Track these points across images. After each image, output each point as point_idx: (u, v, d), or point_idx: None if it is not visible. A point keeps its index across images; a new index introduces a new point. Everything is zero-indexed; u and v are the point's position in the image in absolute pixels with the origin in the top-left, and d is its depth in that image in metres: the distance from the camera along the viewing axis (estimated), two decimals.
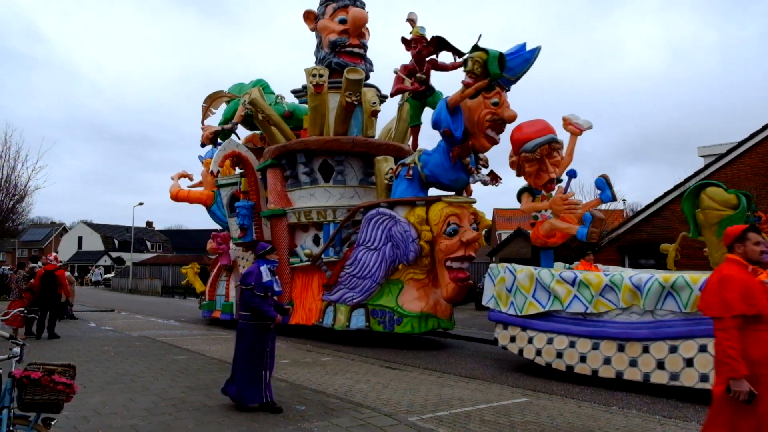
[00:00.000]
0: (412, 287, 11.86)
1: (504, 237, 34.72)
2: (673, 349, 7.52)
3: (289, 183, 14.34)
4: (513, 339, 9.44)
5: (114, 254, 67.35)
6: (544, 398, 7.52)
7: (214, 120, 18.05)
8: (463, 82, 10.12)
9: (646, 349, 7.76)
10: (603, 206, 11.48)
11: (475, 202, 11.80)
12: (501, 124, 10.58)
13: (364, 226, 12.08)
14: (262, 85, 16.35)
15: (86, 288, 48.45)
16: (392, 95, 12.82)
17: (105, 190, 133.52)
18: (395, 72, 12.14)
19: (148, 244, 70.68)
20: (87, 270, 61.26)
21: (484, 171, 11.82)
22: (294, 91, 15.02)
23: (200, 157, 18.76)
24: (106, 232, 72.55)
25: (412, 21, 12.11)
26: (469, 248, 11.27)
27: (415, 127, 13.32)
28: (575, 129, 9.85)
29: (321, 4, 14.56)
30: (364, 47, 14.37)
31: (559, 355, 8.65)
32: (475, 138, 10.81)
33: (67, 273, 17.00)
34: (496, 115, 10.46)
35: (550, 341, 8.82)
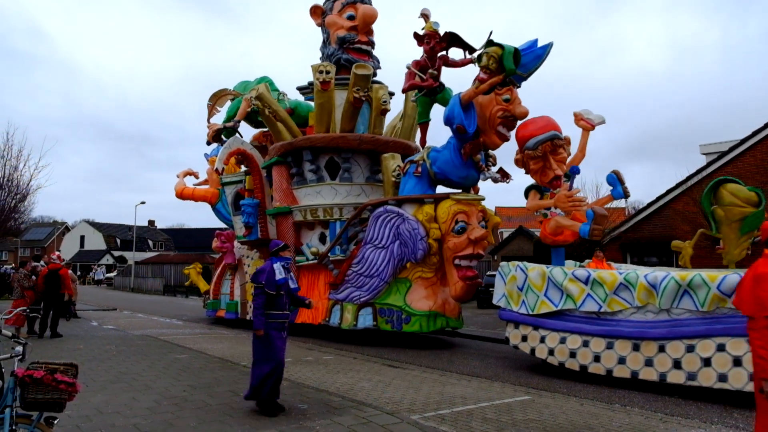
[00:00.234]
0: (420, 286, 11.73)
1: (506, 235, 34.64)
2: (690, 349, 7.39)
3: (295, 181, 14.21)
4: (524, 338, 9.30)
5: (116, 253, 67.26)
6: (546, 396, 7.49)
7: (220, 118, 17.97)
8: (477, 77, 9.99)
9: (662, 349, 7.63)
10: (611, 203, 11.42)
11: (483, 199, 11.66)
12: (512, 121, 10.44)
13: (371, 224, 11.95)
14: (267, 82, 16.23)
15: (88, 287, 48.46)
16: (404, 91, 12.68)
17: (107, 188, 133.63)
18: (407, 67, 12.00)
19: (150, 243, 70.57)
20: (89, 269, 61.20)
21: (494, 168, 11.67)
22: (300, 88, 14.88)
23: (206, 155, 18.72)
24: (109, 231, 72.44)
25: (425, 16, 11.96)
26: (477, 246, 11.14)
27: (424, 124, 13.19)
28: (587, 124, 9.74)
29: (328, 0, 14.42)
30: (372, 44, 14.23)
31: (573, 354, 8.52)
32: (486, 135, 10.68)
33: (69, 272, 16.90)
34: (507, 112, 10.33)
35: (563, 340, 8.69)
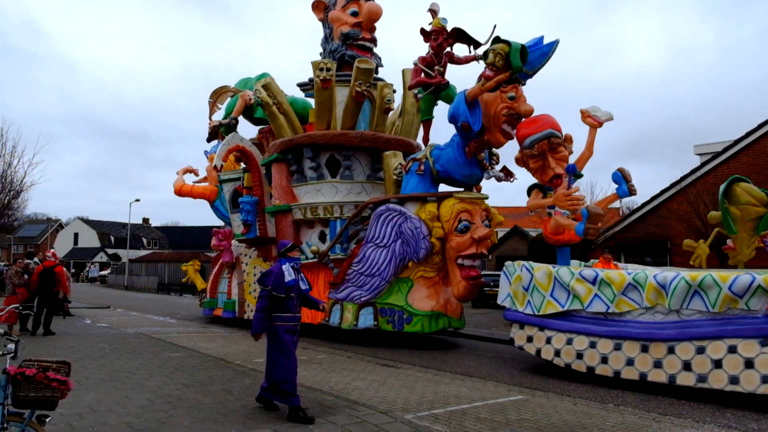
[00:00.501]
0: (422, 285, 11.58)
1: (500, 235, 34.55)
2: (701, 350, 7.28)
3: (295, 178, 14.02)
4: (530, 339, 9.17)
5: (110, 251, 66.81)
6: (539, 396, 7.48)
7: (221, 115, 17.86)
8: (483, 74, 9.84)
9: (671, 350, 7.51)
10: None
11: (487, 198, 11.52)
12: (517, 119, 10.29)
13: (373, 223, 11.79)
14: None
15: (82, 285, 48.16)
16: (411, 88, 12.49)
17: (102, 186, 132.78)
18: (414, 64, 11.84)
19: (144, 240, 70.09)
20: (83, 266, 60.76)
21: (497, 167, 11.52)
22: (300, 85, 14.67)
23: (206, 152, 18.60)
24: (103, 228, 71.95)
25: (433, 12, 11.79)
26: (481, 245, 11.00)
27: (427, 122, 13.03)
28: (593, 121, 9.60)
29: None
30: (375, 42, 14.07)
31: (579, 355, 8.39)
32: (491, 133, 10.53)
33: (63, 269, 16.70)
34: (512, 110, 10.17)
35: (569, 341, 8.56)
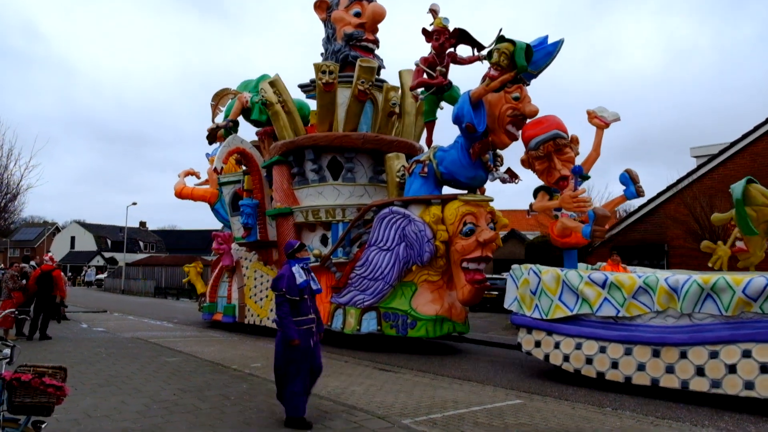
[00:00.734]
0: (426, 289, 11.42)
1: None
2: (714, 355, 7.14)
3: (296, 180, 13.87)
4: (538, 344, 9.02)
5: (107, 254, 66.48)
6: (537, 400, 7.45)
7: (222, 118, 17.76)
8: (487, 74, 9.71)
9: (683, 355, 7.37)
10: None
11: (492, 200, 11.38)
12: (522, 120, 10.18)
13: (376, 226, 11.63)
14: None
15: (78, 288, 47.89)
16: (412, 88, 12.35)
17: (99, 189, 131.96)
18: (416, 65, 11.70)
19: (141, 244, 69.80)
20: (80, 270, 60.42)
21: (502, 168, 11.39)
22: (301, 86, 14.51)
23: (207, 154, 18.49)
24: (99, 232, 71.58)
25: (434, 12, 11.66)
26: (486, 249, 10.86)
27: (430, 123, 12.88)
28: (600, 122, 9.50)
29: None
30: (377, 43, 13.94)
31: (589, 360, 8.25)
32: (495, 134, 10.41)
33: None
34: (517, 110, 10.07)
35: (578, 346, 8.42)
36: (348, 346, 12.38)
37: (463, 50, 11.83)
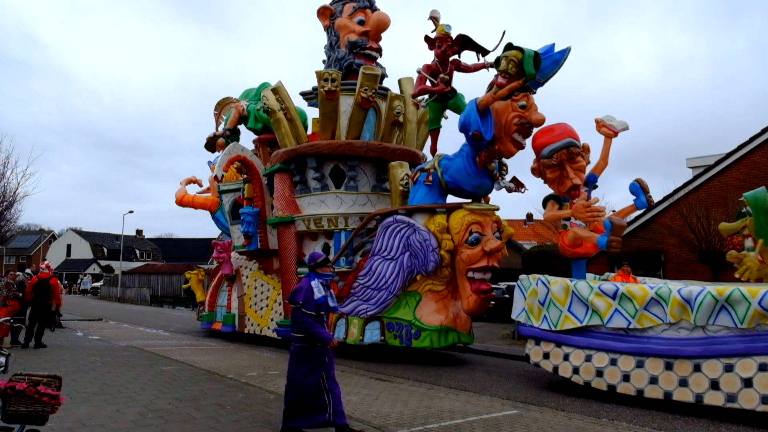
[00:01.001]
0: (430, 299, 11.25)
1: None
2: (729, 368, 6.98)
3: (298, 189, 13.72)
4: (546, 355, 8.85)
5: (103, 262, 66.02)
6: (534, 410, 7.44)
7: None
8: (494, 82, 9.60)
9: (697, 368, 7.21)
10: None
11: (497, 209, 11.25)
12: (528, 128, 10.06)
13: (380, 235, 11.48)
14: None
15: (74, 296, 47.57)
16: (414, 96, 12.26)
17: (96, 197, 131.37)
18: (418, 72, 11.61)
19: (137, 252, 69.33)
20: (76, 278, 59.99)
21: (507, 177, 11.26)
22: (303, 94, 14.39)
23: (209, 162, 18.41)
24: (95, 240, 71.18)
25: (435, 19, 11.58)
26: (492, 258, 10.72)
27: (435, 131, 12.78)
28: (609, 131, 9.40)
29: (337, 1, 14.03)
30: (381, 51, 13.89)
31: (599, 373, 8.08)
32: (501, 142, 10.28)
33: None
34: (523, 119, 9.94)
35: (588, 358, 8.25)
36: (345, 356, 12.20)
37: (467, 57, 11.76)
